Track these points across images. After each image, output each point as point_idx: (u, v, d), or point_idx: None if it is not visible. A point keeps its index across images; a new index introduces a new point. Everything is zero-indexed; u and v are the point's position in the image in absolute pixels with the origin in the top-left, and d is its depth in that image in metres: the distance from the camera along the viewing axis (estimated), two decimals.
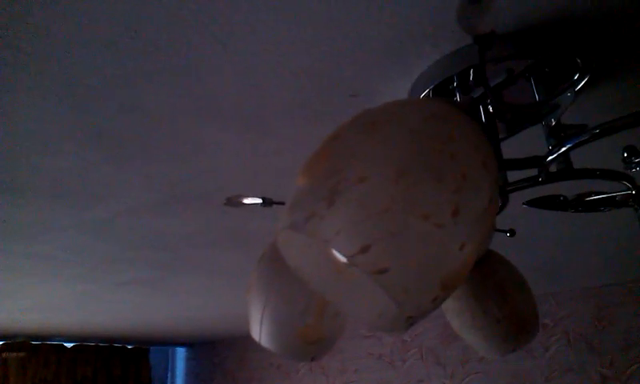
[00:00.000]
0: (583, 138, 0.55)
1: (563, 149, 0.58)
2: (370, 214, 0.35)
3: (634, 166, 0.60)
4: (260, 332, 0.67)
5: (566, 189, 0.88)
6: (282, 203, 0.70)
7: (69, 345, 3.55)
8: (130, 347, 3.83)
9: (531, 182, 0.67)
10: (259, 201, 0.78)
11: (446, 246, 0.35)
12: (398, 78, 0.69)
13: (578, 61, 0.54)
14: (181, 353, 4.27)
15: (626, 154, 0.58)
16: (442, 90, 0.68)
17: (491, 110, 0.64)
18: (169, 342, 3.98)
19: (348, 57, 0.65)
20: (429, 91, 0.68)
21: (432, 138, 0.38)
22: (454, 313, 0.79)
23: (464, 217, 0.36)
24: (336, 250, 0.34)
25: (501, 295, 0.76)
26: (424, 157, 0.37)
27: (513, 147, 0.90)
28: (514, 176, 0.80)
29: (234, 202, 0.85)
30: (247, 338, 3.69)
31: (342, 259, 0.38)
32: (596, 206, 0.77)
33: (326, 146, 0.41)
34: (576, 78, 0.55)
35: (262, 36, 0.61)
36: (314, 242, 0.43)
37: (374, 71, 0.68)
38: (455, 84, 0.65)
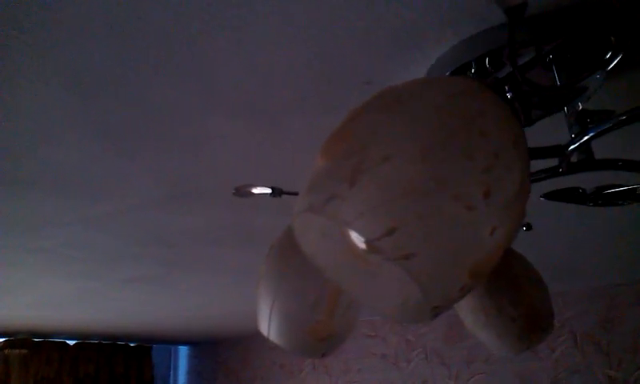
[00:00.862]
0: (609, 125, 0.53)
1: (587, 136, 0.55)
2: (395, 194, 0.32)
3: None
4: (269, 327, 0.65)
5: (582, 183, 0.86)
6: (293, 193, 0.68)
7: (71, 342, 3.53)
8: (132, 345, 3.82)
9: (551, 173, 0.65)
10: (268, 191, 0.76)
11: (477, 229, 0.33)
12: (414, 63, 0.67)
13: (612, 39, 0.52)
14: (183, 351, 4.25)
15: None
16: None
17: (509, 96, 0.61)
18: (172, 341, 3.96)
19: (360, 44, 0.63)
20: None
21: (459, 115, 0.36)
22: (468, 310, 0.77)
23: (496, 199, 0.33)
24: (358, 232, 0.32)
25: (516, 293, 0.74)
26: (451, 134, 0.35)
27: (527, 138, 0.87)
28: (531, 166, 0.78)
29: (243, 191, 0.83)
30: (251, 336, 3.67)
31: (364, 244, 0.35)
32: (615, 199, 0.75)
33: (346, 124, 0.38)
34: (608, 56, 0.53)
35: (271, 24, 0.59)
36: (333, 226, 0.41)
37: (388, 58, 0.66)
38: (474, 69, 0.63)
